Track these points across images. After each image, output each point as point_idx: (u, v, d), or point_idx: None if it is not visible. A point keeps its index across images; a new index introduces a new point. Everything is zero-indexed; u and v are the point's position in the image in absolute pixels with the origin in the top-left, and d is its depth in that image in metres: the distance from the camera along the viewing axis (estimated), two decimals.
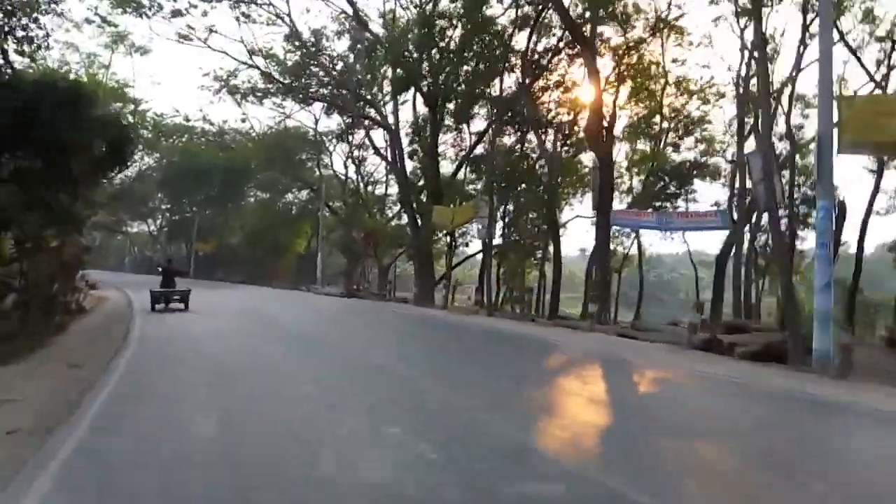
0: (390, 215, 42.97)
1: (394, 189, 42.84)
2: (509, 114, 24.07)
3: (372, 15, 40.65)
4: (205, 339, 12.49)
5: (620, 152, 30.74)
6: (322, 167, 47.20)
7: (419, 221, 29.32)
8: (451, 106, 27.29)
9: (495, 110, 24.46)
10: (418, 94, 30.64)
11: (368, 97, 31.66)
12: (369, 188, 44.39)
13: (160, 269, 21.59)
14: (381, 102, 33.64)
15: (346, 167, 44.98)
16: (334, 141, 43.32)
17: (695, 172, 25.50)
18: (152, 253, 66.64)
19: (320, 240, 41.92)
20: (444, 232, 29.45)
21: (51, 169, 13.10)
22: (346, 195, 45.50)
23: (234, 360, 9.87)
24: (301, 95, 36.87)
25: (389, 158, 31.43)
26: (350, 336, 13.38)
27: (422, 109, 31.83)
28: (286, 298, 28.38)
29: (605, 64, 25.29)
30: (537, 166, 25.85)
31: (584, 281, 30.09)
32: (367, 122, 35.13)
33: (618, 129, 28.97)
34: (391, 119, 31.63)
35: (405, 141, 30.97)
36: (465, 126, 28.70)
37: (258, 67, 31.72)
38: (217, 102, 47.93)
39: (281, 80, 34.99)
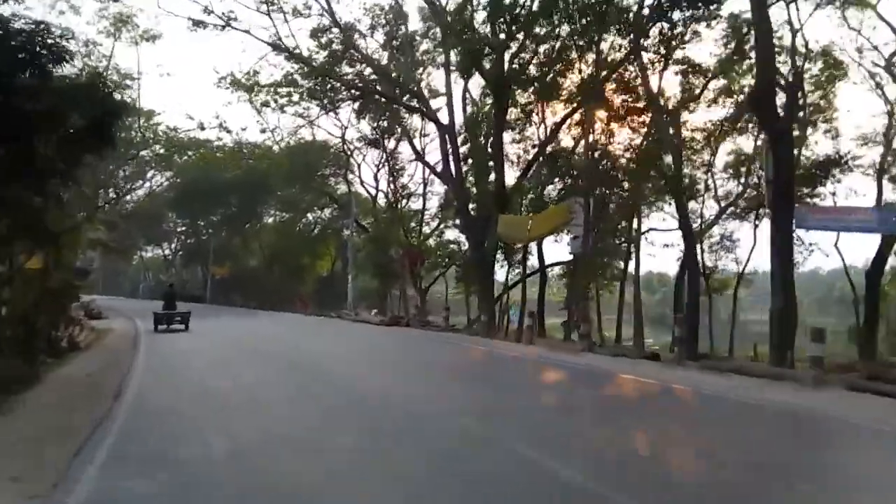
0: (428, 231, 38.53)
1: (432, 203, 38.59)
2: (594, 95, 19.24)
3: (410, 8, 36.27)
4: (229, 406, 7.99)
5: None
6: (349, 182, 43.03)
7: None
8: (520, 97, 22.66)
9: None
10: (468, 86, 26.48)
11: (415, 88, 27.25)
12: (403, 202, 39.64)
13: (163, 294, 22.95)
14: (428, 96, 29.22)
15: (376, 179, 40.53)
16: (364, 150, 39.01)
17: (840, 166, 20.75)
18: (166, 277, 62.80)
19: (351, 260, 37.42)
20: (518, 246, 24.72)
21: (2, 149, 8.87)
22: (376, 210, 41.10)
23: (285, 473, 5.30)
24: (330, 96, 32.73)
25: (441, 161, 26.79)
26: (476, 413, 7.53)
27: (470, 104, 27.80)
28: (318, 329, 23.87)
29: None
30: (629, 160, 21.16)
31: (674, 306, 25.42)
32: (405, 122, 30.87)
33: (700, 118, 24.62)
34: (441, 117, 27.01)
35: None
36: (535, 117, 24.03)
37: (288, 51, 27.14)
38: (235, 103, 43.62)
39: (309, 78, 30.92)
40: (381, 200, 41.15)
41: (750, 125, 24.58)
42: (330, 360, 13.53)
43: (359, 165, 41.74)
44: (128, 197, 53.75)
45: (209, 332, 19.69)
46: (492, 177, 24.96)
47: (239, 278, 52.75)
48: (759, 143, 26.62)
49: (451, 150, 24.87)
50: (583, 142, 21.81)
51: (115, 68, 30.56)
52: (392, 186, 38.46)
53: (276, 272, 48.96)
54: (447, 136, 25.21)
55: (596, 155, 20.49)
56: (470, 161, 26.28)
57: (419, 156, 31.94)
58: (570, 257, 26.22)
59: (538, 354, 14.04)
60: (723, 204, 27.58)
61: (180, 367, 12.21)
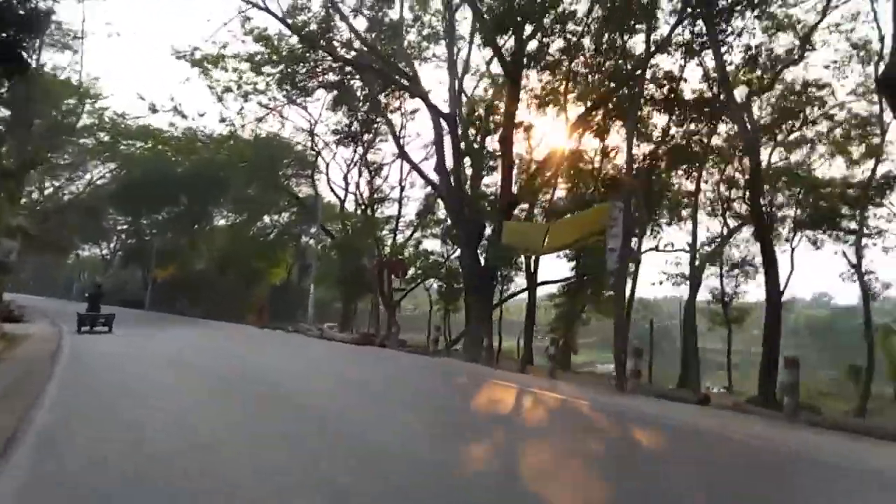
0: (401, 240, 35.25)
1: (409, 209, 35.52)
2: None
3: None
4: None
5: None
6: (315, 183, 39.50)
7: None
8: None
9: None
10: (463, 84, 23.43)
11: (410, 73, 24.07)
12: (377, 206, 36.22)
13: (87, 294, 22.95)
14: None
15: (346, 181, 37.01)
16: (333, 148, 35.51)
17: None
18: (102, 278, 57.87)
19: (314, 268, 33.85)
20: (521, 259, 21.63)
21: None
22: (344, 215, 37.56)
23: None
24: (301, 86, 29.38)
25: (432, 157, 23.59)
26: None
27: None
28: (284, 349, 20.10)
29: None
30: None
31: (682, 336, 22.97)
32: (387, 110, 27.84)
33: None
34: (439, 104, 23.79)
35: (448, 140, 23.08)
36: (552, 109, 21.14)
37: (267, 9, 23.42)
38: (195, 78, 39.53)
39: (279, 62, 27.66)
40: (350, 204, 37.79)
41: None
42: (318, 404, 10.03)
43: (327, 165, 38.36)
44: (67, 188, 49.09)
45: (153, 351, 15.90)
46: (489, 179, 22.11)
47: (184, 283, 48.19)
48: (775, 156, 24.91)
49: (451, 141, 21.54)
50: (611, 137, 19.26)
51: (54, 24, 26.28)
52: (367, 187, 35.06)
53: (226, 278, 44.80)
54: (447, 125, 21.91)
55: (638, 150, 17.82)
56: (467, 160, 23.18)
57: (402, 151, 28.59)
58: (572, 274, 23.64)
59: (590, 398, 10.77)
60: (731, 224, 25.42)
61: (109, 405, 8.59)
